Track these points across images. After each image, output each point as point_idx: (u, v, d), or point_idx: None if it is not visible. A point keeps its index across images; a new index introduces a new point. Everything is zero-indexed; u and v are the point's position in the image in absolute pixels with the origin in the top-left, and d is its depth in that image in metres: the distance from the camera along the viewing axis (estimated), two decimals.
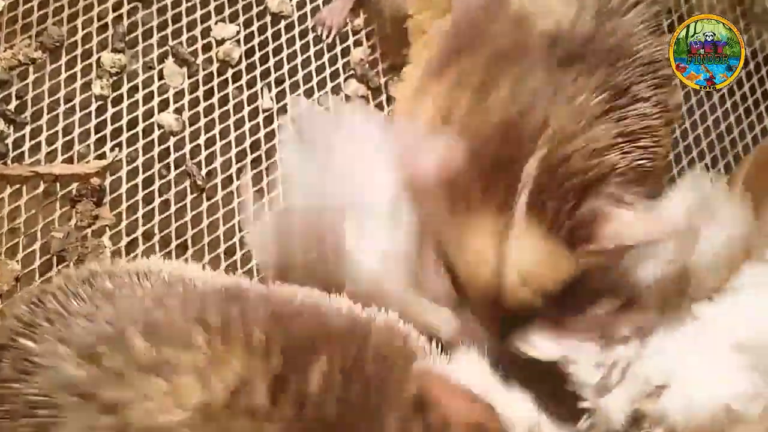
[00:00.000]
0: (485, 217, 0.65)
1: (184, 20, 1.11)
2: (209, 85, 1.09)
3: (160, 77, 1.08)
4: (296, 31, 1.13)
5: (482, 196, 0.65)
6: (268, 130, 1.07)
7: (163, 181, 1.03)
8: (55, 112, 1.04)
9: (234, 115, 1.07)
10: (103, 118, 1.05)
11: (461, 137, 0.67)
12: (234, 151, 1.06)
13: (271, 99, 1.09)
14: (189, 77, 1.09)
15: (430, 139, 0.67)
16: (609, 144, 0.67)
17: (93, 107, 1.05)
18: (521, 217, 0.64)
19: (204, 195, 1.03)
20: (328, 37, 1.12)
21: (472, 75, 0.71)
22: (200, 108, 1.07)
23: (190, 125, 1.06)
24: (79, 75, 1.06)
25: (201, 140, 1.06)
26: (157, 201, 1.02)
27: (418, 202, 0.68)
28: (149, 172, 1.03)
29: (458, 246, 0.66)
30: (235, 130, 1.07)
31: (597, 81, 0.68)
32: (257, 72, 1.10)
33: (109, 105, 1.06)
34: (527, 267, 0.64)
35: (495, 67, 0.70)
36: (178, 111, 1.07)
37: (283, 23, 1.13)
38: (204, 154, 1.05)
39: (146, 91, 1.07)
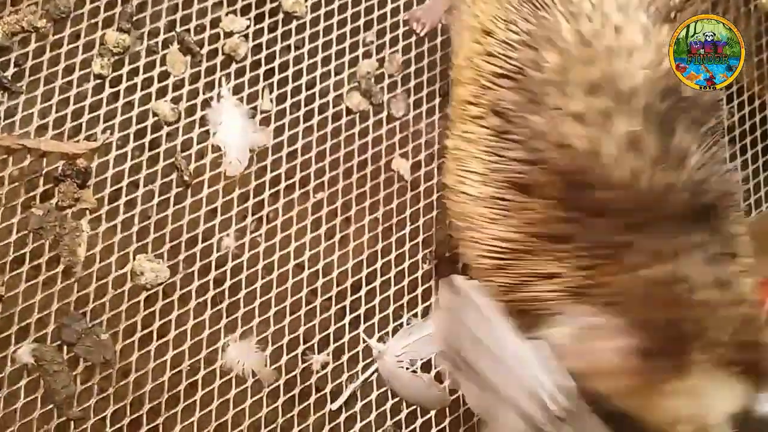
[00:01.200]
0: (671, 379, 0.66)
1: (195, 7, 1.09)
2: (211, 78, 1.07)
3: (162, 63, 1.06)
4: (307, 33, 1.11)
5: (661, 361, 0.66)
6: (263, 131, 1.06)
7: (150, 171, 1.02)
8: (51, 85, 1.03)
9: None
10: (98, 97, 1.03)
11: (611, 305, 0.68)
12: None
13: (271, 101, 1.07)
14: (191, 67, 1.07)
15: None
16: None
17: (90, 85, 1.04)
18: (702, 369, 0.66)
19: (189, 191, 1.02)
20: (421, 32, 1.12)
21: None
22: (198, 100, 1.06)
23: (186, 117, 1.05)
24: (80, 50, 1.05)
25: (194, 134, 1.04)
26: (141, 190, 1.01)
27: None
28: (137, 160, 1.02)
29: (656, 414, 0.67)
30: None
31: None
32: (261, 71, 1.08)
33: (107, 85, 1.04)
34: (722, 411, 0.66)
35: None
36: (176, 101, 1.05)
37: (294, 23, 1.11)
38: (195, 148, 1.04)
39: (146, 75, 1.05)
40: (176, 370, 0.96)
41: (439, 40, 1.14)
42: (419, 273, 1.05)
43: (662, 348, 0.66)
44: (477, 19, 0.87)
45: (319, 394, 0.98)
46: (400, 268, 1.05)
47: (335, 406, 0.97)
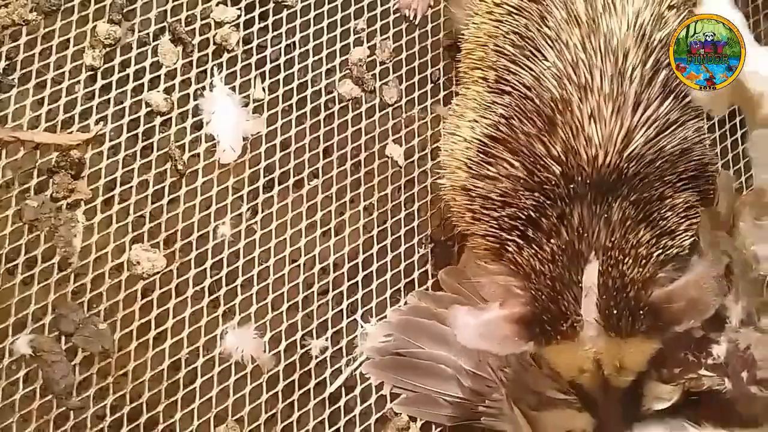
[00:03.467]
0: (569, 337, 0.74)
1: None
2: (203, 68, 1.07)
3: (154, 54, 1.06)
4: (297, 22, 1.11)
5: (557, 321, 0.73)
6: (256, 120, 1.06)
7: (144, 161, 1.02)
8: (43, 78, 1.03)
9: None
10: (91, 89, 1.03)
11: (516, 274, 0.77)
12: None
13: (264, 90, 1.08)
14: (183, 57, 1.07)
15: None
16: (653, 243, 0.76)
17: (82, 77, 1.04)
18: (593, 324, 0.73)
19: (183, 180, 1.02)
20: (415, 18, 1.14)
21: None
22: (190, 90, 1.06)
23: (179, 107, 1.05)
24: (72, 42, 1.05)
25: (187, 124, 1.05)
26: (136, 181, 1.01)
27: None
28: (131, 151, 1.02)
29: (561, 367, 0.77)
30: None
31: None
32: (253, 60, 1.09)
33: (99, 76, 1.04)
34: (617, 362, 0.74)
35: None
36: (168, 91, 1.05)
37: (285, 12, 1.12)
38: (189, 138, 1.04)
39: (138, 66, 1.05)
40: (175, 359, 0.96)
41: (429, 26, 1.14)
42: (415, 257, 1.05)
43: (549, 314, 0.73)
44: None
45: (318, 379, 0.98)
46: (395, 252, 1.05)
47: (333, 387, 0.97)
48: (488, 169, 0.83)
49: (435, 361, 0.95)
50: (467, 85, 0.94)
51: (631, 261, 0.74)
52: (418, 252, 1.06)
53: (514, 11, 0.87)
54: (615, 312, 0.72)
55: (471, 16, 0.96)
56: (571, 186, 0.76)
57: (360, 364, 0.99)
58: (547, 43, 0.83)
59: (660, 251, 0.75)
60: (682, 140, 0.80)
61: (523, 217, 0.78)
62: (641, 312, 0.72)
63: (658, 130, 0.79)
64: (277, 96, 1.08)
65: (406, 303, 1.02)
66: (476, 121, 0.87)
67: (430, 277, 1.04)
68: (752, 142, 0.75)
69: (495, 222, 0.81)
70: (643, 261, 0.74)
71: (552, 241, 0.75)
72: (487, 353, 0.87)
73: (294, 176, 1.05)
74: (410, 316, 0.99)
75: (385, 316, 1.01)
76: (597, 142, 0.77)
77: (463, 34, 0.97)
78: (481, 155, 0.84)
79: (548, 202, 0.77)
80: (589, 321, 0.73)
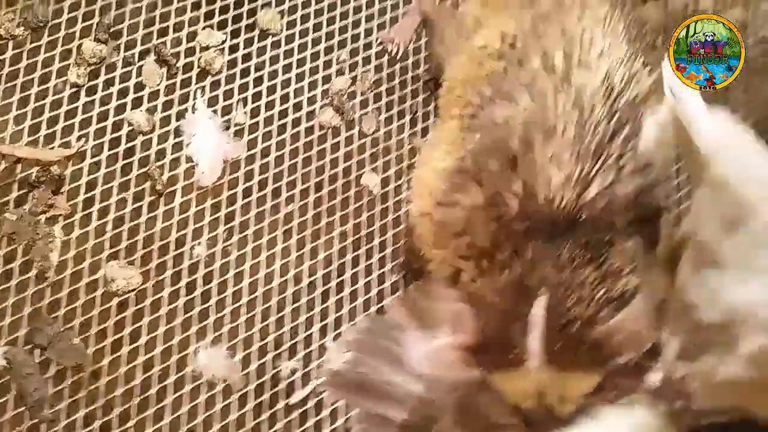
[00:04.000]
0: (515, 366, 0.77)
1: (173, 20, 1.12)
2: (186, 90, 1.09)
3: (138, 74, 1.08)
4: (281, 50, 1.14)
5: (505, 351, 0.77)
6: (237, 143, 1.08)
7: (123, 179, 1.04)
8: (27, 92, 1.04)
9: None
10: (74, 106, 1.05)
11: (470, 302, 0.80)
12: None
13: (245, 114, 1.10)
14: (167, 79, 1.09)
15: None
16: (597, 284, 0.79)
17: (66, 93, 1.05)
18: (537, 356, 0.76)
19: (162, 200, 1.04)
20: (398, 53, 1.17)
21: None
22: (173, 111, 1.08)
23: (161, 127, 1.07)
24: (57, 59, 1.06)
25: (168, 144, 1.06)
26: (115, 198, 1.03)
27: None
28: (111, 168, 1.04)
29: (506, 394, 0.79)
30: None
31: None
32: (236, 84, 1.11)
33: (83, 94, 1.06)
34: (560, 391, 0.77)
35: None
36: (151, 111, 1.07)
37: (270, 40, 1.14)
38: (169, 158, 1.06)
39: (122, 85, 1.07)
40: (147, 375, 0.97)
41: (410, 60, 1.18)
42: (387, 283, 1.08)
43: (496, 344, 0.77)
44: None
45: (287, 400, 1.00)
46: (368, 279, 1.07)
47: (293, 400, 1.00)
48: (452, 198, 0.86)
49: (388, 382, 0.97)
50: (444, 119, 0.97)
51: (575, 300, 0.77)
52: (390, 279, 1.09)
53: (496, 55, 0.91)
54: (557, 347, 0.76)
55: (454, 55, 1.00)
56: (527, 223, 0.80)
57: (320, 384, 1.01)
58: (522, 88, 0.87)
59: (604, 291, 0.79)
60: (635, 188, 0.84)
61: (479, 247, 0.82)
62: (582, 348, 0.76)
63: (613, 179, 0.83)
64: (258, 121, 1.10)
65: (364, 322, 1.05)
66: (448, 154, 0.91)
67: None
68: (697, 200, 0.78)
69: (453, 250, 0.85)
70: (587, 300, 0.78)
71: (504, 273, 0.79)
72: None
73: (271, 200, 1.08)
74: (365, 336, 1.01)
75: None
76: (555, 185, 0.81)
77: (444, 71, 1.00)
78: (447, 184, 0.88)
79: (504, 234, 0.80)
80: (534, 352, 0.76)
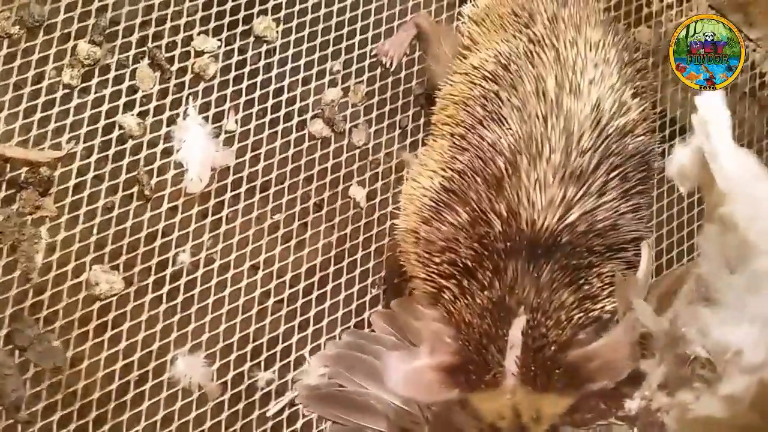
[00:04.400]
0: (492, 385, 0.78)
1: (168, 24, 1.12)
2: (178, 95, 1.10)
3: (132, 77, 1.09)
4: (276, 58, 1.14)
5: (482, 371, 0.77)
6: (226, 151, 1.09)
7: (112, 182, 1.05)
8: (20, 92, 1.05)
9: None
10: (66, 107, 1.05)
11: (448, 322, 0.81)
12: None
13: (236, 122, 1.11)
14: (160, 83, 1.10)
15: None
16: (575, 307, 0.81)
17: (59, 94, 1.06)
18: (514, 377, 0.77)
19: (149, 204, 1.05)
20: (391, 65, 1.18)
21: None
22: (164, 116, 1.08)
23: (151, 132, 1.08)
24: (51, 59, 1.07)
25: (158, 149, 1.07)
26: (102, 201, 1.04)
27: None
28: (100, 171, 1.05)
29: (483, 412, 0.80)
30: None
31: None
32: (228, 91, 1.11)
33: (75, 95, 1.06)
34: (534, 413, 0.78)
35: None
36: (142, 115, 1.08)
37: (264, 47, 1.15)
38: (158, 163, 1.07)
39: (115, 88, 1.08)
40: (124, 380, 0.98)
41: (403, 74, 1.18)
42: (367, 297, 1.09)
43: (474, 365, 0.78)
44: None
45: (262, 410, 1.01)
46: (349, 291, 1.09)
47: (269, 411, 1.01)
48: (437, 216, 0.88)
49: (366, 396, 0.99)
50: (436, 137, 0.98)
51: (552, 323, 0.79)
52: (371, 292, 1.10)
53: (489, 77, 0.92)
54: (533, 369, 0.77)
55: (449, 74, 1.00)
56: (509, 243, 0.81)
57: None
58: (513, 111, 0.87)
59: (581, 314, 0.81)
60: (616, 216, 0.85)
61: (461, 266, 0.83)
62: (557, 371, 0.77)
63: (594, 206, 0.84)
64: (249, 129, 1.11)
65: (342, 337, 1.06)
66: (436, 172, 0.92)
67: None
68: (704, 234, 0.79)
69: (435, 267, 0.86)
70: (564, 323, 0.79)
71: (485, 293, 0.80)
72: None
73: (258, 209, 1.08)
74: (345, 350, 1.03)
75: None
76: (539, 208, 0.82)
77: (439, 89, 1.01)
78: (433, 202, 0.89)
79: (486, 254, 0.82)
80: (511, 373, 0.77)
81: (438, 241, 0.87)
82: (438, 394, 0.78)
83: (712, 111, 0.80)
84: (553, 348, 0.78)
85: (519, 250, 0.81)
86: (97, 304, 1.00)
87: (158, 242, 1.04)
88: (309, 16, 1.17)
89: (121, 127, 1.07)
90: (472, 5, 1.09)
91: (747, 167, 0.75)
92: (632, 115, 0.91)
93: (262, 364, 1.03)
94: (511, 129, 0.87)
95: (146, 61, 1.10)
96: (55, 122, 1.05)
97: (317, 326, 1.06)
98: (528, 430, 0.79)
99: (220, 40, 1.13)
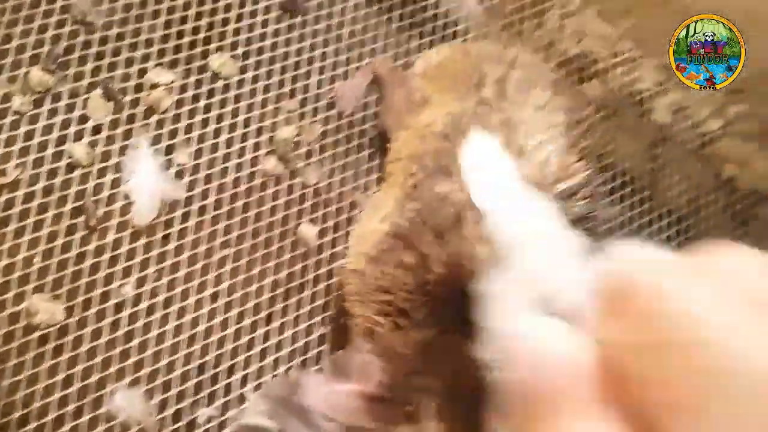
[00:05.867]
0: (413, 421, 0.79)
1: (124, 55, 1.12)
2: (130, 126, 1.09)
3: (84, 107, 1.08)
4: (231, 93, 1.15)
5: (404, 406, 0.79)
6: (176, 184, 1.08)
7: (57, 211, 1.03)
8: None
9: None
10: (14, 133, 1.04)
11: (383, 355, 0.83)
12: None
13: (189, 155, 1.10)
14: (113, 113, 1.09)
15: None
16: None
17: (7, 120, 1.04)
18: (433, 416, 0.78)
19: (95, 235, 1.04)
20: (346, 112, 1.18)
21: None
22: (115, 147, 1.08)
23: (101, 162, 1.07)
24: (1, 85, 1.05)
25: (107, 179, 1.06)
26: (46, 230, 1.02)
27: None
28: (46, 199, 1.03)
29: None
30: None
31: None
32: (181, 125, 1.11)
33: (24, 122, 1.05)
34: None
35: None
36: (92, 145, 1.07)
37: (220, 83, 1.15)
38: (106, 194, 1.05)
39: (65, 117, 1.07)
40: (61, 412, 0.96)
41: (358, 115, 1.19)
42: (314, 336, 1.09)
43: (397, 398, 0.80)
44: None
45: None
46: (295, 330, 1.08)
47: None
48: (381, 258, 0.89)
49: None
50: (389, 184, 0.99)
51: (477, 367, 0.79)
52: (317, 331, 1.09)
53: (440, 134, 0.93)
54: (453, 410, 0.78)
55: (401, 128, 1.02)
56: (448, 290, 0.83)
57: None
58: (461, 167, 0.89)
59: None
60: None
61: (400, 306, 0.85)
62: (475, 414, 0.78)
63: None
64: (200, 163, 1.11)
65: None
66: (387, 218, 0.92)
67: (324, 356, 1.07)
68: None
69: (373, 306, 0.88)
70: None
71: (418, 332, 0.82)
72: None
73: (206, 244, 1.08)
74: (281, 392, 1.01)
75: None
76: (479, 260, 0.83)
77: (391, 141, 1.03)
78: (380, 245, 0.90)
79: (424, 298, 0.84)
80: (430, 413, 0.78)
81: (381, 281, 0.88)
82: (358, 419, 0.79)
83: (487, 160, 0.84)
84: (475, 392, 0.79)
85: (456, 298, 0.82)
86: (37, 334, 0.97)
87: (102, 273, 1.02)
88: (266, 54, 1.18)
89: (70, 156, 1.05)
90: (425, 62, 1.11)
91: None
92: (577, 179, 0.94)
93: (204, 400, 1.01)
94: (458, 184, 0.89)
95: (99, 91, 1.09)
96: (3, 148, 1.03)
97: (261, 363, 1.05)
98: None
99: (175, 73, 1.13)
